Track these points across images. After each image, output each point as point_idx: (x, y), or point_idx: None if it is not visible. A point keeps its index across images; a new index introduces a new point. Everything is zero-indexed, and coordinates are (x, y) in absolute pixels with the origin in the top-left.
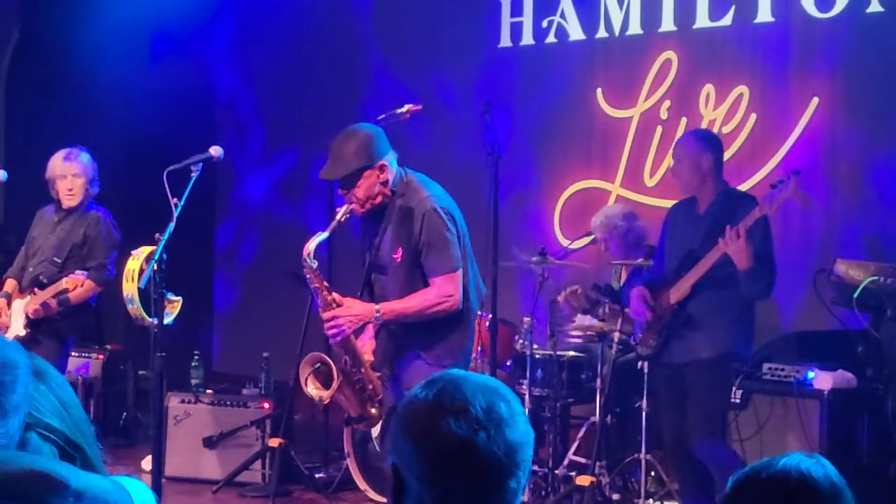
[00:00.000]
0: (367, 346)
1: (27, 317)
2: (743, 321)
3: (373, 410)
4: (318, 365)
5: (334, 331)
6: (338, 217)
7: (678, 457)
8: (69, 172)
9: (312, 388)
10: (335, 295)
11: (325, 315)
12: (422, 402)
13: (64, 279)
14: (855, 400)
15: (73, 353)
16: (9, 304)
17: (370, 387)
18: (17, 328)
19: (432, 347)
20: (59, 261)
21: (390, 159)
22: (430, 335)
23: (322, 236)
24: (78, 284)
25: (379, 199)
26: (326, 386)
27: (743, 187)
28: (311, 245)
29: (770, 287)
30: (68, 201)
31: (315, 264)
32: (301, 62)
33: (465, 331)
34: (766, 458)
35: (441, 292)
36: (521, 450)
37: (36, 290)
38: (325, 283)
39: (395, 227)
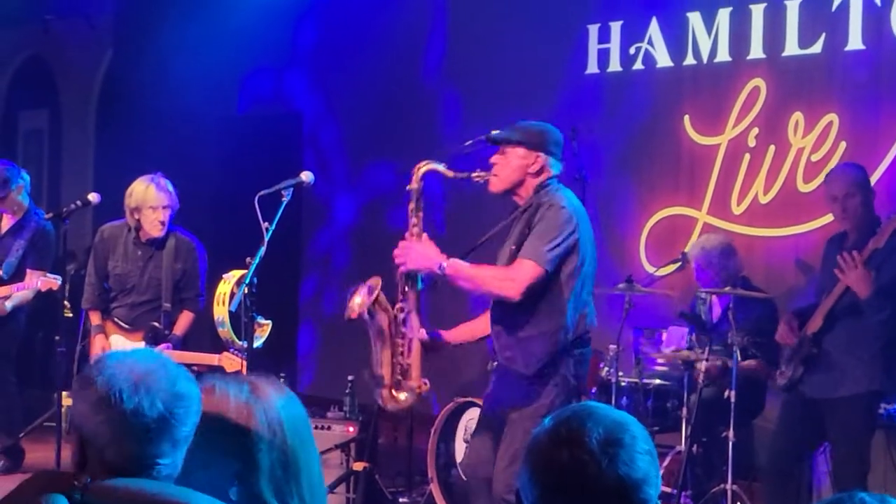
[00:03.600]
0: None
1: None
2: (887, 356)
3: (396, 392)
4: (376, 293)
5: (400, 259)
6: (472, 174)
7: (774, 483)
8: (161, 204)
9: (356, 301)
10: (419, 228)
11: (401, 242)
12: (543, 431)
13: (216, 357)
14: None
15: None
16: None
17: (405, 362)
18: None
19: (508, 349)
20: (169, 306)
21: (552, 164)
22: (513, 338)
23: (444, 170)
24: (236, 367)
25: (516, 187)
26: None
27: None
28: (427, 166)
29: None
30: (156, 232)
31: (419, 185)
32: (381, 87)
33: (543, 348)
34: (830, 497)
35: (508, 273)
36: (639, 488)
37: (165, 347)
38: (420, 216)
39: (522, 224)
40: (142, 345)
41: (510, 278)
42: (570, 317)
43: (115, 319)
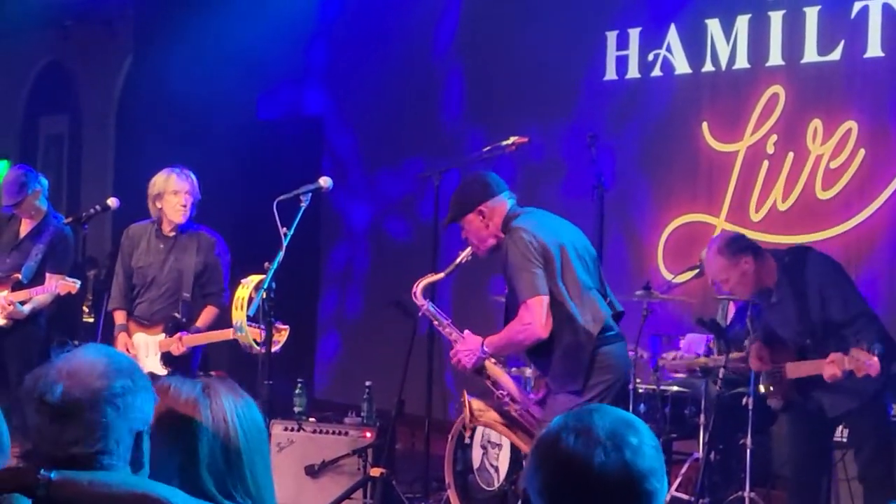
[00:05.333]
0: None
1: (165, 355)
2: (885, 356)
3: None
4: (466, 409)
5: (459, 366)
6: (457, 260)
7: (798, 492)
8: (182, 189)
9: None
10: (455, 333)
11: (451, 352)
12: (551, 425)
13: (231, 332)
14: None
15: None
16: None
17: (532, 419)
18: (154, 366)
19: (555, 376)
20: (188, 296)
21: (496, 202)
22: (550, 364)
23: (436, 277)
24: (249, 341)
25: (492, 240)
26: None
27: (851, 224)
28: (421, 284)
29: (881, 332)
30: (178, 217)
31: (426, 304)
32: (397, 91)
33: (578, 356)
34: None
35: (520, 321)
36: (646, 479)
37: (182, 334)
38: (446, 321)
39: (501, 265)
40: (161, 337)
41: (526, 323)
42: (581, 316)
43: (137, 317)
